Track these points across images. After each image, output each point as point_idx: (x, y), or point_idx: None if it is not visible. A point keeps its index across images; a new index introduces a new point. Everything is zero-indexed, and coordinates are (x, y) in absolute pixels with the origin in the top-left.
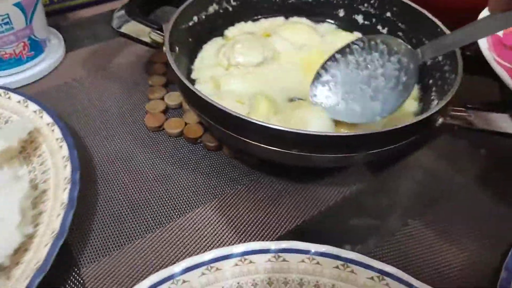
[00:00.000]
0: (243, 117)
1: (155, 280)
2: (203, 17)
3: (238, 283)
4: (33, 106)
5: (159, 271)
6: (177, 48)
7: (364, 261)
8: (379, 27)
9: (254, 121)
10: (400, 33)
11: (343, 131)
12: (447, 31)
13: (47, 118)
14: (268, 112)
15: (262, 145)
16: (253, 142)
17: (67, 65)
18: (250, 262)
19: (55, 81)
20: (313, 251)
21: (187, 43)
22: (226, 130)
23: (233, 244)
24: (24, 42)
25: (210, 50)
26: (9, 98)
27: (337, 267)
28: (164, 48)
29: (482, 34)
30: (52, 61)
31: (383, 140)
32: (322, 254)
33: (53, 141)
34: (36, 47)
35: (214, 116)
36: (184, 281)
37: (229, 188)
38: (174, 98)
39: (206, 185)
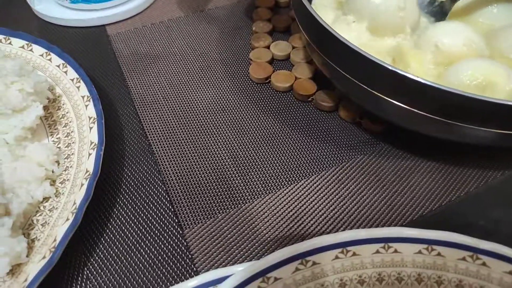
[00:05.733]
0: (384, 64)
1: (283, 256)
2: None
3: (379, 274)
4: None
5: (286, 247)
6: None
7: (499, 252)
8: None
9: (397, 70)
10: None
11: None
12: None
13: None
14: None
15: (400, 104)
16: (389, 99)
17: (162, 3)
18: (395, 251)
19: (149, 20)
20: (481, 249)
21: None
22: (357, 81)
23: (359, 225)
24: None
25: None
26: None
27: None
28: None
29: None
30: None
31: None
32: (488, 254)
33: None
34: None
35: (344, 62)
36: (314, 263)
37: (347, 157)
38: (281, 47)
39: (320, 151)
